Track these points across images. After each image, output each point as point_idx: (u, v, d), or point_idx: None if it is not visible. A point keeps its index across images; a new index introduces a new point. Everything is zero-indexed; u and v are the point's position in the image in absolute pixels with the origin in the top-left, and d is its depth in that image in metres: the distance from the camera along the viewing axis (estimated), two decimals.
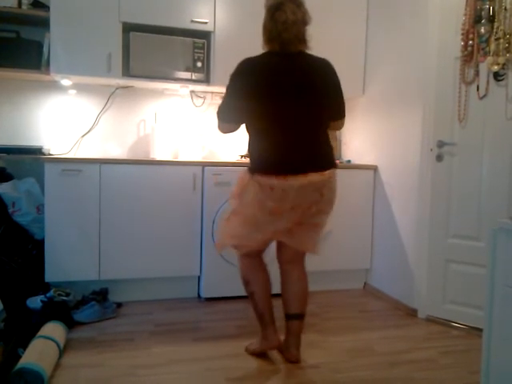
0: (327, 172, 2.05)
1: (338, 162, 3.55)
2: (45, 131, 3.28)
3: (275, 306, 2.22)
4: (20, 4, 2.91)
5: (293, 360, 2.20)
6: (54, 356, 2.06)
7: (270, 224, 2.07)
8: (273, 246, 2.27)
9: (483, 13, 2.44)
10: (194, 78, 3.18)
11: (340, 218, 3.24)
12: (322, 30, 3.21)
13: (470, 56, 2.55)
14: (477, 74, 2.57)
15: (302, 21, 2.04)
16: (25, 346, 2.05)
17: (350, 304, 3.12)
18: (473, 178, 2.66)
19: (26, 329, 2.31)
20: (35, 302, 2.57)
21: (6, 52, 2.91)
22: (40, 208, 2.91)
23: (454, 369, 2.19)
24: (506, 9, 2.35)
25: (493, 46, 2.40)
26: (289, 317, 2.20)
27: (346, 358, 2.28)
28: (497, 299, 1.54)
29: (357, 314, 2.94)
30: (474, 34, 2.50)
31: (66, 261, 2.81)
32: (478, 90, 2.59)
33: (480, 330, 1.87)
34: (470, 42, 2.52)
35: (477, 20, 2.47)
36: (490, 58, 2.42)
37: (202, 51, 3.17)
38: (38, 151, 3.02)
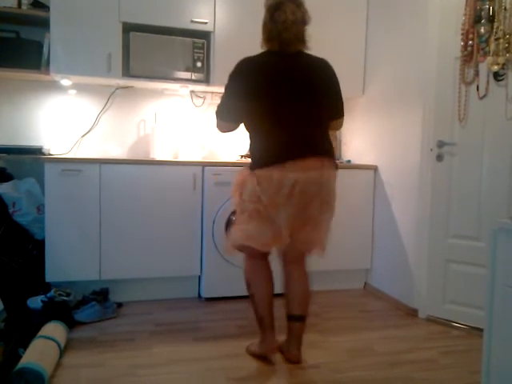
0: (325, 159, 2.04)
1: (338, 162, 3.55)
2: (45, 131, 3.28)
3: (276, 306, 2.22)
4: (20, 4, 2.91)
5: (294, 360, 2.19)
6: (55, 356, 2.06)
7: (274, 218, 2.03)
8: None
9: (483, 13, 2.44)
10: (193, 78, 3.18)
11: (340, 218, 3.22)
12: (322, 30, 3.21)
13: (469, 56, 2.55)
14: (477, 73, 2.57)
15: (302, 21, 2.04)
16: (25, 346, 2.05)
17: (351, 304, 3.12)
18: (473, 178, 2.67)
19: (26, 329, 2.31)
20: (36, 302, 2.57)
21: (5, 52, 2.91)
22: (40, 208, 2.91)
23: (455, 369, 2.19)
24: (505, 9, 2.35)
25: (493, 46, 2.40)
26: (291, 318, 2.19)
27: (346, 358, 2.28)
28: (497, 299, 1.54)
29: (357, 313, 2.94)
30: (473, 33, 2.50)
31: (67, 261, 2.81)
32: (477, 89, 2.59)
33: (480, 329, 1.88)
34: (470, 41, 2.52)
35: (477, 20, 2.47)
36: (489, 58, 2.42)
37: (201, 51, 3.18)
38: (38, 151, 3.02)
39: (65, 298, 2.61)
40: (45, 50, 2.99)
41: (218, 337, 2.48)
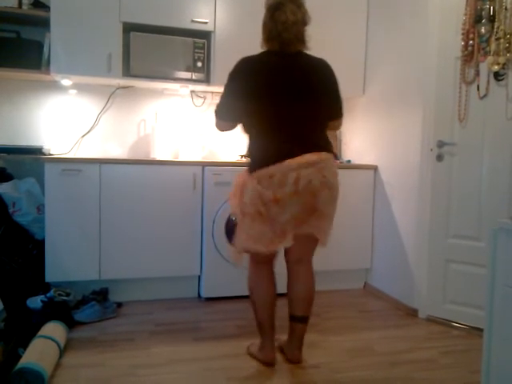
0: (324, 153, 2.02)
1: (338, 161, 3.55)
2: (45, 131, 3.28)
3: (279, 306, 2.20)
4: (20, 4, 2.91)
5: (294, 361, 2.19)
6: (55, 356, 2.06)
7: (277, 217, 2.00)
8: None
9: (483, 12, 2.44)
10: (194, 77, 3.18)
11: (340, 218, 3.21)
12: (323, 30, 3.21)
13: (470, 56, 2.55)
14: (477, 73, 2.57)
15: (302, 21, 2.04)
16: (25, 346, 2.05)
17: (351, 304, 3.12)
18: (473, 178, 2.66)
19: (26, 329, 2.31)
20: (35, 301, 2.57)
21: (6, 52, 2.91)
22: (40, 208, 2.91)
23: (455, 369, 2.19)
24: (506, 8, 2.35)
25: (493, 46, 2.40)
26: (293, 318, 2.18)
27: (346, 357, 2.28)
28: (497, 299, 1.54)
29: (357, 313, 2.94)
30: (474, 33, 2.50)
31: (67, 261, 2.81)
32: (478, 89, 2.59)
33: (480, 329, 1.87)
34: (471, 41, 2.52)
35: (477, 20, 2.47)
36: (490, 58, 2.43)
37: (202, 51, 3.17)
38: (38, 151, 3.02)
39: (64, 298, 2.61)
40: (45, 49, 2.99)
41: (217, 337, 2.48)
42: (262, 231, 2.02)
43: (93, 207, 2.84)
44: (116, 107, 3.40)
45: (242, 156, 3.49)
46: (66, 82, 3.18)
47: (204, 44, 3.18)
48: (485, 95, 2.58)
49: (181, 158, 3.36)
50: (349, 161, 3.58)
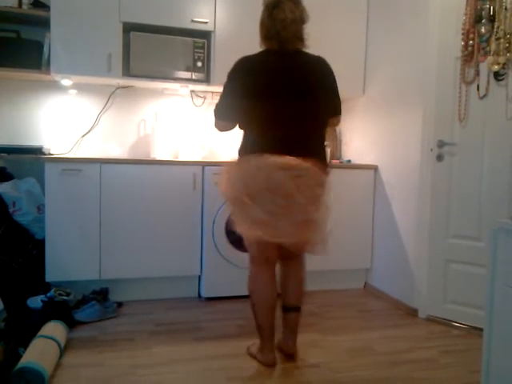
0: (308, 163, 1.97)
1: (338, 161, 3.56)
2: (45, 131, 3.28)
3: (278, 306, 2.20)
4: (20, 4, 2.91)
5: (290, 353, 2.20)
6: (55, 355, 2.06)
7: (251, 207, 1.98)
8: None
9: (484, 12, 2.44)
10: (194, 77, 3.18)
11: (340, 218, 3.24)
12: (323, 29, 3.22)
13: (470, 56, 2.55)
14: (477, 73, 2.57)
15: (300, 19, 2.04)
16: (25, 346, 2.06)
17: (350, 304, 3.12)
18: (473, 178, 2.66)
19: (26, 328, 2.31)
20: (36, 301, 2.57)
21: (6, 52, 2.91)
22: (40, 208, 2.91)
23: (455, 368, 2.19)
24: (506, 8, 2.35)
25: (493, 46, 2.41)
26: (286, 309, 2.21)
27: (346, 357, 2.28)
28: (497, 299, 1.54)
29: (357, 313, 2.94)
30: (474, 33, 2.50)
31: (67, 260, 2.81)
32: (478, 89, 2.59)
33: (480, 329, 1.88)
34: (471, 41, 2.52)
35: (477, 20, 2.47)
36: (490, 58, 2.43)
37: (202, 51, 3.17)
38: (38, 151, 3.02)
39: (65, 298, 2.61)
40: (45, 49, 2.99)
41: (217, 337, 2.48)
42: (242, 217, 2.03)
43: (93, 207, 2.84)
44: (116, 107, 3.40)
45: None
46: (66, 81, 3.18)
47: (204, 44, 3.18)
48: (485, 95, 2.58)
49: (181, 158, 3.36)
50: (349, 161, 3.59)
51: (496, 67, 2.42)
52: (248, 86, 2.01)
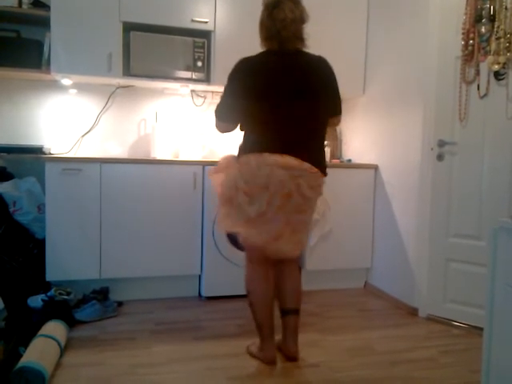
0: (308, 164, 2.00)
1: (338, 161, 3.56)
2: (45, 130, 3.28)
3: (277, 306, 2.21)
4: (20, 3, 2.91)
5: (291, 356, 2.20)
6: (55, 355, 2.06)
7: (245, 206, 2.01)
8: None
9: (484, 12, 2.44)
10: (194, 77, 3.18)
11: (340, 217, 3.25)
12: (323, 29, 3.22)
13: (470, 55, 2.55)
14: (477, 73, 2.57)
15: (300, 19, 2.04)
16: (26, 345, 2.06)
17: (351, 303, 3.12)
18: (473, 177, 2.67)
19: (26, 328, 2.32)
20: (36, 300, 2.57)
21: (6, 51, 2.91)
22: (41, 207, 2.91)
23: (455, 368, 2.19)
24: (506, 8, 2.35)
25: (493, 46, 2.41)
26: (284, 312, 2.21)
27: (346, 357, 2.28)
28: (497, 298, 1.54)
29: (357, 313, 2.94)
30: (474, 33, 2.50)
31: (67, 260, 2.81)
32: (478, 89, 2.59)
33: (480, 329, 1.88)
34: (471, 41, 2.52)
35: (477, 19, 2.47)
36: (490, 58, 2.43)
37: (202, 50, 3.18)
38: (38, 150, 3.02)
39: (65, 297, 2.61)
40: (45, 49, 2.99)
41: (218, 336, 2.49)
42: (229, 215, 2.07)
43: (93, 206, 2.84)
44: (116, 107, 3.41)
45: None
46: (66, 81, 3.19)
47: (204, 43, 3.18)
48: (485, 95, 2.58)
49: (181, 158, 3.36)
50: (349, 160, 3.59)
51: (496, 67, 2.43)
52: (248, 86, 2.02)
